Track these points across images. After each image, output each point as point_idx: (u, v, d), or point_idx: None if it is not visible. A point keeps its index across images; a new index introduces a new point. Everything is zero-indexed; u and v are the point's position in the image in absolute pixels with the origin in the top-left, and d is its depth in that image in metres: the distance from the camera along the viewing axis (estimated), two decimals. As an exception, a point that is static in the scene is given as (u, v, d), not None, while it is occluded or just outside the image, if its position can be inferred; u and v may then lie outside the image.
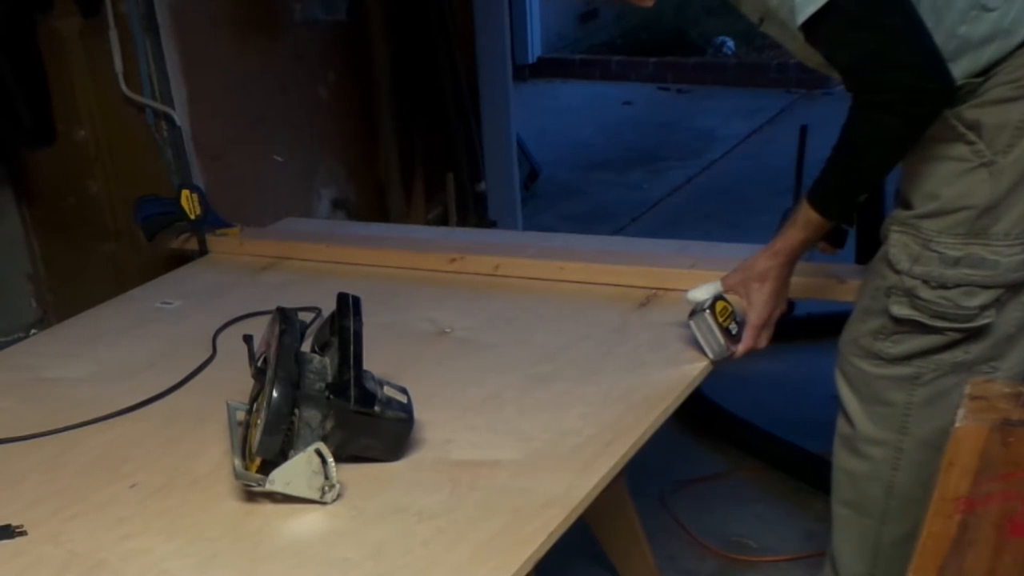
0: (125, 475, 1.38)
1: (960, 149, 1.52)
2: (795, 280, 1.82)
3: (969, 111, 1.50)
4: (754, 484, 2.54)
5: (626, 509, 2.01)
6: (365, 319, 1.38)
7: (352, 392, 1.30)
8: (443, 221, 3.34)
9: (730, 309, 1.63)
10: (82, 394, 1.62)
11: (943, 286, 1.55)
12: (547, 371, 1.60)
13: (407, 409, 1.36)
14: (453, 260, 2.04)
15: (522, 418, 1.46)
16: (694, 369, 1.58)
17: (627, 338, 1.70)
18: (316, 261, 2.16)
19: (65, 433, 1.50)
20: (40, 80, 2.47)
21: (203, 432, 1.47)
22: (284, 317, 1.35)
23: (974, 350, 1.58)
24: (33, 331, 2.48)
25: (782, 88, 6.43)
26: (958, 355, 1.58)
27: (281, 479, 1.24)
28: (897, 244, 1.58)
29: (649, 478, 2.47)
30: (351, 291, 1.42)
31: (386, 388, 1.35)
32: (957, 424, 1.20)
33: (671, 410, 1.49)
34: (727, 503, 2.47)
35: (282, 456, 1.26)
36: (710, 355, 1.61)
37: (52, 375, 1.72)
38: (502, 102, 3.67)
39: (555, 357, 1.65)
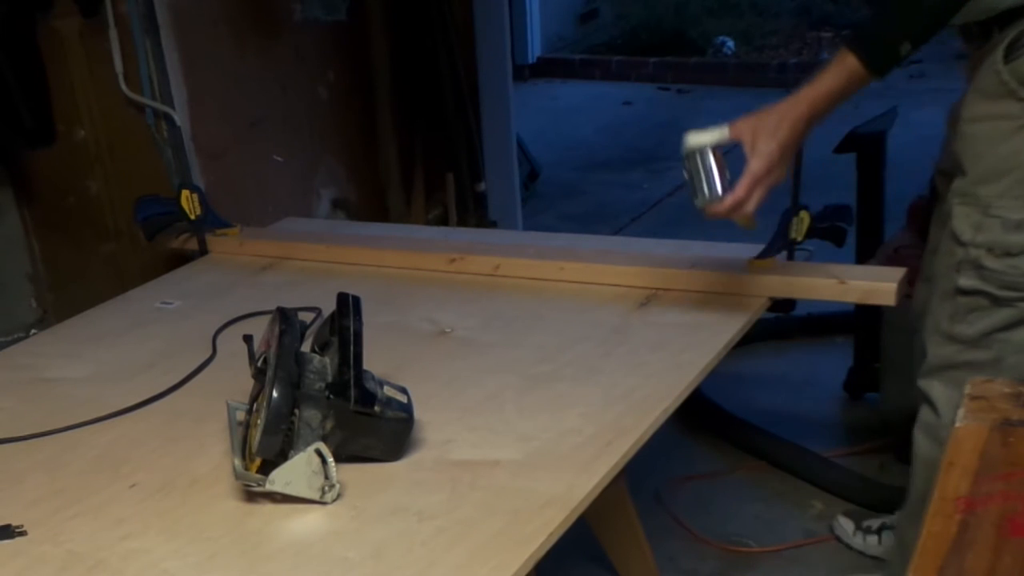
0: (125, 475, 1.38)
1: (1012, 106, 1.48)
2: (795, 280, 1.82)
3: (1022, 66, 1.45)
4: (753, 483, 2.54)
5: (626, 509, 2.01)
6: (365, 319, 1.39)
7: (352, 392, 1.30)
8: (443, 221, 3.34)
9: (725, 162, 1.49)
10: (82, 394, 1.62)
11: (1008, 253, 1.50)
12: (547, 371, 1.60)
13: (407, 409, 1.36)
14: (453, 260, 2.04)
15: (522, 418, 1.46)
16: (694, 369, 1.58)
17: (627, 338, 1.70)
18: (316, 261, 2.16)
19: (65, 433, 1.50)
20: (40, 80, 2.46)
21: (203, 432, 1.47)
22: (284, 317, 1.35)
23: None
24: (33, 331, 2.48)
25: (782, 88, 6.39)
26: None
27: (281, 479, 1.24)
28: (959, 215, 1.52)
29: (647, 477, 2.47)
30: (351, 291, 1.42)
31: (386, 388, 1.35)
32: (957, 424, 1.20)
33: (671, 410, 1.49)
34: (726, 502, 2.47)
35: (282, 456, 1.27)
36: (704, 196, 1.47)
37: (52, 375, 1.72)
38: (502, 102, 3.67)
39: (555, 357, 1.65)
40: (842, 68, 1.46)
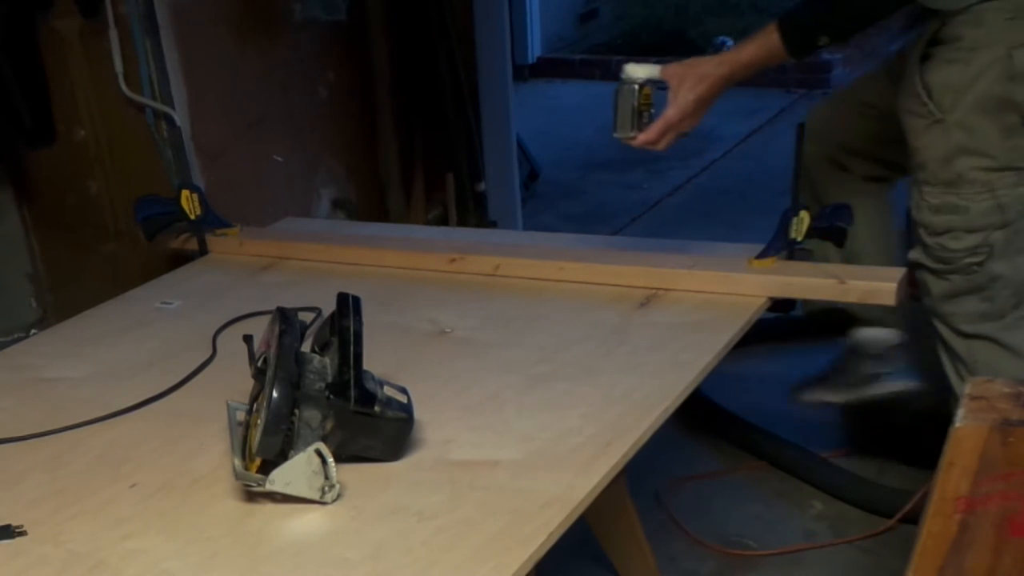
0: (125, 475, 1.38)
1: (920, 108, 1.67)
2: (795, 280, 1.82)
3: (925, 73, 1.65)
4: (753, 483, 2.54)
5: (626, 509, 2.01)
6: (365, 319, 1.38)
7: (352, 392, 1.30)
8: (443, 221, 3.34)
9: (651, 99, 1.63)
10: (82, 394, 1.62)
11: (934, 232, 1.71)
12: (547, 371, 1.60)
13: (407, 409, 1.36)
14: (453, 260, 2.04)
15: (522, 418, 1.46)
16: (694, 369, 1.58)
17: (627, 338, 1.70)
18: (316, 261, 2.16)
19: (65, 433, 1.50)
20: (40, 80, 2.47)
21: (203, 432, 1.47)
22: (284, 317, 1.35)
23: (998, 298, 1.67)
24: (33, 331, 2.48)
25: (782, 88, 6.43)
26: (982, 306, 1.67)
27: (281, 479, 1.24)
28: (911, 196, 1.75)
29: (647, 477, 2.47)
30: (351, 291, 1.42)
31: (386, 388, 1.35)
32: (957, 424, 1.20)
33: (671, 410, 1.49)
34: (726, 502, 2.47)
35: (282, 456, 1.27)
36: (617, 130, 1.61)
37: (52, 375, 1.72)
38: (502, 102, 3.67)
39: (555, 357, 1.65)
40: (765, 43, 1.63)
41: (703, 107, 1.66)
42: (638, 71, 1.62)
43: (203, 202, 2.22)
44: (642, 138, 1.64)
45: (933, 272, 1.72)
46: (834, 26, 1.62)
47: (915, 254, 1.75)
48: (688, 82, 1.63)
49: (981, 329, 1.72)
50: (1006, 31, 1.58)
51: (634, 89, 1.59)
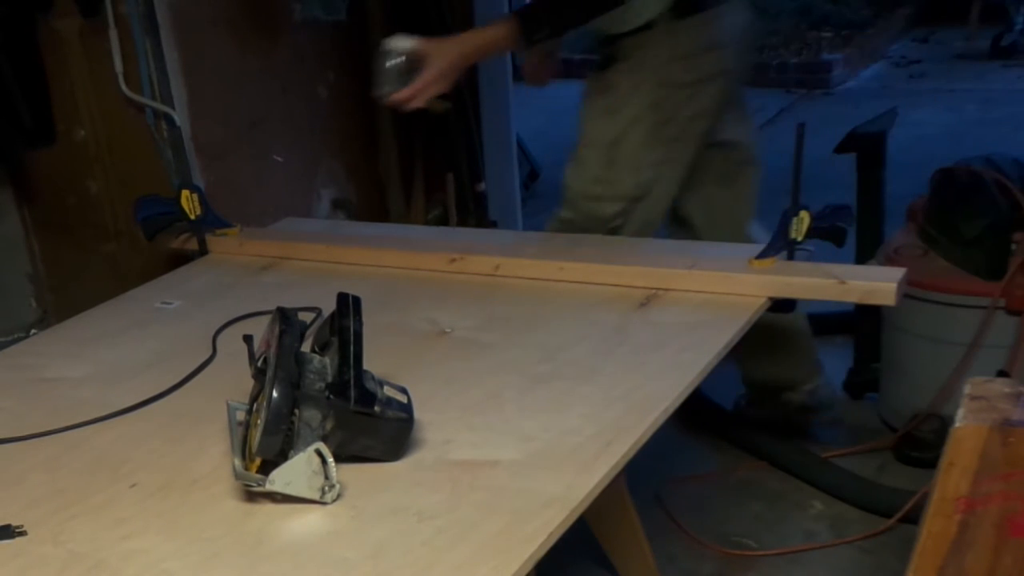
0: (125, 475, 1.38)
1: (600, 100, 2.16)
2: (795, 280, 1.82)
3: (608, 74, 2.15)
4: (753, 483, 2.54)
5: (626, 509, 2.01)
6: (365, 319, 1.38)
7: (352, 392, 1.30)
8: (443, 221, 3.34)
9: (412, 68, 1.92)
10: (82, 394, 1.62)
11: (590, 198, 2.18)
12: (547, 371, 1.60)
13: (407, 409, 1.36)
14: (453, 260, 2.04)
15: (522, 418, 1.46)
16: (694, 369, 1.58)
17: (627, 338, 1.70)
18: (316, 261, 2.16)
19: (65, 433, 1.50)
20: (40, 80, 2.47)
21: (203, 432, 1.47)
22: (284, 317, 1.35)
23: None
24: (33, 331, 2.48)
25: (782, 88, 6.43)
26: None
27: (281, 479, 1.24)
28: (568, 166, 2.21)
29: (647, 477, 2.47)
30: (351, 291, 1.42)
31: (386, 388, 1.35)
32: (957, 424, 1.20)
33: (671, 410, 1.49)
34: (726, 502, 2.47)
35: (282, 456, 1.27)
36: (377, 88, 1.92)
37: (52, 375, 1.72)
38: (502, 102, 3.67)
39: (555, 357, 1.65)
40: (503, 27, 1.98)
41: (450, 73, 1.96)
42: (399, 43, 1.92)
43: (203, 202, 2.22)
44: (395, 96, 1.94)
45: (578, 229, 2.19)
46: (553, 23, 2.00)
47: (567, 214, 2.22)
48: (438, 53, 1.93)
49: None
50: (663, 50, 2.11)
51: (392, 55, 1.90)
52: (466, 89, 3.40)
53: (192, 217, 2.20)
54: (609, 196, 2.17)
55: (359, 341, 1.35)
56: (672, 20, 2.10)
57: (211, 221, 2.25)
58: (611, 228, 2.20)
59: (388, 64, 1.90)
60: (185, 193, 2.21)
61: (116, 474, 1.38)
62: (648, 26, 2.09)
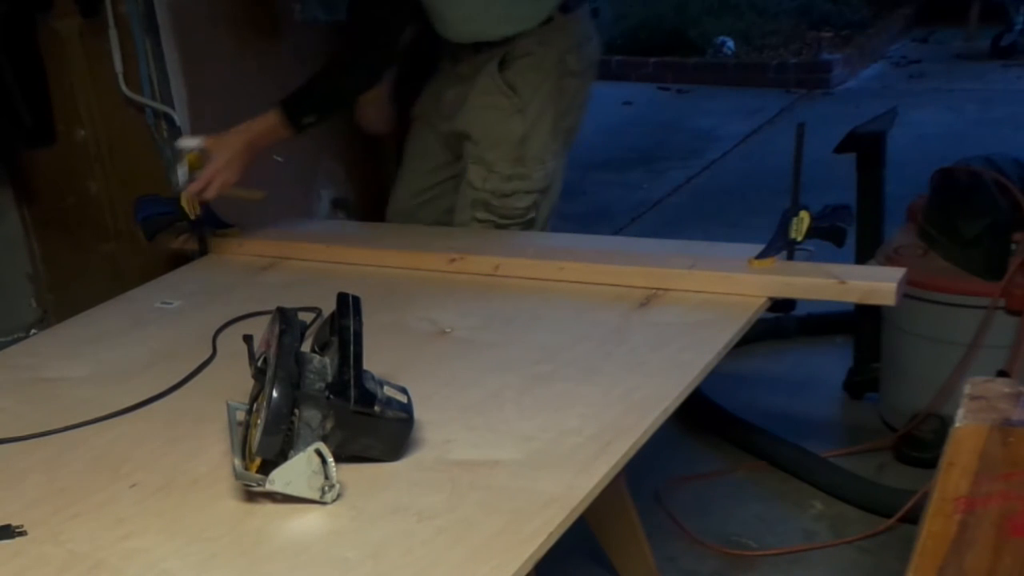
0: (125, 475, 1.38)
1: (503, 100, 2.23)
2: (795, 280, 1.82)
3: (508, 76, 2.22)
4: (753, 483, 2.54)
5: (626, 509, 2.02)
6: (365, 319, 1.38)
7: (352, 392, 1.30)
8: (443, 221, 3.33)
9: (200, 163, 2.09)
10: (82, 394, 1.62)
11: (504, 195, 2.27)
12: (547, 371, 1.60)
13: (407, 409, 1.36)
14: (453, 260, 2.04)
15: (522, 418, 1.46)
16: (694, 369, 1.58)
17: (627, 338, 1.70)
18: (316, 261, 2.16)
19: (65, 433, 1.50)
20: (40, 80, 2.46)
21: (203, 432, 1.47)
22: (284, 317, 1.35)
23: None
24: (33, 331, 2.48)
25: (782, 88, 6.43)
26: None
27: (281, 479, 1.24)
28: (472, 171, 2.28)
29: (647, 477, 2.47)
30: (351, 291, 1.42)
31: (386, 388, 1.35)
32: (957, 424, 1.20)
33: (671, 410, 1.49)
34: (726, 502, 2.47)
35: (282, 456, 1.26)
36: (176, 186, 2.10)
37: (52, 375, 1.72)
38: (502, 102, 3.66)
39: (555, 357, 1.65)
40: (269, 118, 2.11)
41: (234, 167, 2.11)
42: (188, 142, 2.12)
43: (203, 202, 2.22)
44: (189, 188, 2.09)
45: (498, 225, 2.30)
46: (318, 109, 2.17)
47: (482, 214, 2.29)
48: (220, 147, 2.09)
49: None
50: (561, 42, 2.24)
51: (182, 152, 2.10)
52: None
53: (192, 217, 2.20)
54: (523, 190, 2.27)
55: (359, 341, 1.35)
56: (562, 14, 2.25)
57: (211, 221, 2.25)
58: (526, 222, 2.31)
59: (175, 164, 2.12)
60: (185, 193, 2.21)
61: (116, 474, 1.38)
62: (546, 21, 2.22)
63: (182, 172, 2.09)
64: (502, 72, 2.21)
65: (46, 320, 2.62)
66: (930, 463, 1.70)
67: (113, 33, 2.41)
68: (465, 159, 2.31)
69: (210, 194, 2.11)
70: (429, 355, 1.69)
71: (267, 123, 2.10)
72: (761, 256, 1.87)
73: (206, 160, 2.10)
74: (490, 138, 2.25)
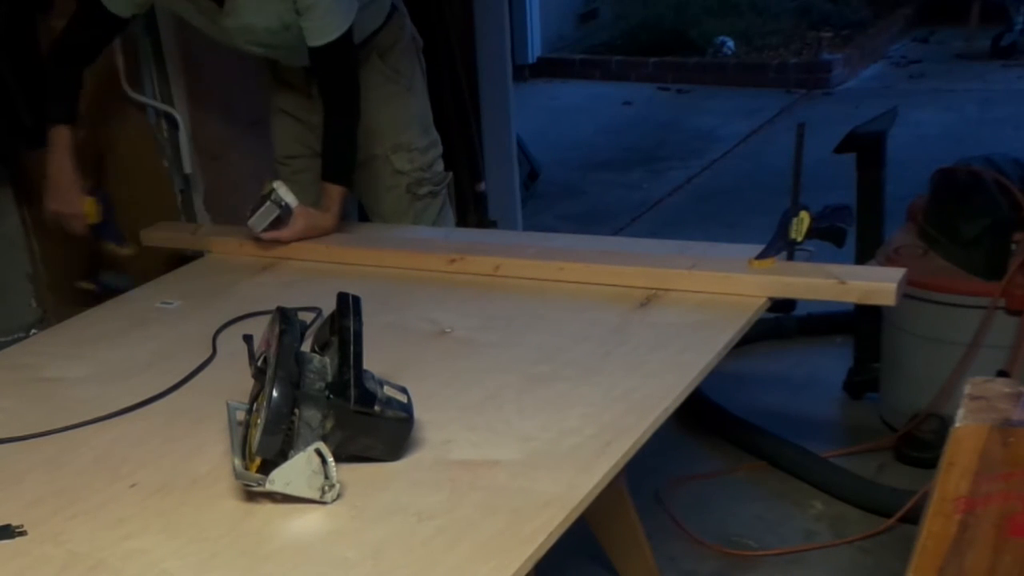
0: (125, 475, 1.38)
1: (395, 87, 2.42)
2: (795, 280, 1.82)
3: (392, 62, 2.40)
4: (753, 483, 2.54)
5: (626, 509, 2.01)
6: (365, 319, 1.39)
7: (352, 392, 1.30)
8: (443, 221, 3.33)
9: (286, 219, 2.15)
10: (82, 394, 1.62)
11: (429, 166, 2.46)
12: (547, 371, 1.60)
13: (407, 409, 1.36)
14: (453, 260, 2.04)
15: (522, 418, 1.46)
16: (694, 369, 1.58)
17: (627, 338, 1.70)
18: (316, 261, 2.16)
19: (65, 433, 1.50)
20: (40, 80, 2.46)
21: (203, 432, 1.47)
22: (284, 317, 1.35)
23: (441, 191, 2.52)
24: (33, 331, 2.47)
25: (782, 88, 6.43)
26: (441, 195, 2.53)
27: (281, 479, 1.24)
28: (394, 160, 2.42)
29: (647, 477, 2.47)
30: (351, 291, 1.42)
31: (386, 388, 1.35)
32: (957, 424, 1.20)
33: (671, 410, 1.49)
34: (726, 502, 2.47)
35: (282, 456, 1.27)
36: (255, 225, 2.12)
37: (52, 375, 1.72)
38: (502, 102, 3.67)
39: (555, 357, 1.65)
40: (333, 194, 2.22)
41: (303, 239, 2.19)
42: (287, 195, 2.13)
43: (107, 212, 2.22)
44: (270, 235, 2.15)
45: (432, 194, 2.47)
46: (351, 160, 2.26)
47: (422, 190, 2.44)
48: (301, 221, 2.16)
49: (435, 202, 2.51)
50: (407, 25, 2.47)
51: (276, 202, 2.12)
52: (466, 89, 3.40)
53: (90, 222, 2.20)
54: (438, 154, 2.50)
55: (359, 341, 1.35)
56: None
57: (107, 233, 2.25)
58: (448, 180, 2.57)
59: (271, 211, 2.12)
60: (90, 200, 2.20)
61: (116, 474, 1.38)
62: (394, 10, 2.45)
63: (268, 215, 2.13)
64: (385, 61, 2.40)
65: (46, 320, 2.61)
66: (930, 463, 1.70)
67: (113, 33, 2.41)
68: (373, 157, 2.41)
69: (276, 244, 2.18)
70: (429, 355, 1.69)
71: (334, 198, 2.22)
72: (761, 256, 1.87)
73: (287, 217, 2.15)
74: (398, 123, 2.42)
